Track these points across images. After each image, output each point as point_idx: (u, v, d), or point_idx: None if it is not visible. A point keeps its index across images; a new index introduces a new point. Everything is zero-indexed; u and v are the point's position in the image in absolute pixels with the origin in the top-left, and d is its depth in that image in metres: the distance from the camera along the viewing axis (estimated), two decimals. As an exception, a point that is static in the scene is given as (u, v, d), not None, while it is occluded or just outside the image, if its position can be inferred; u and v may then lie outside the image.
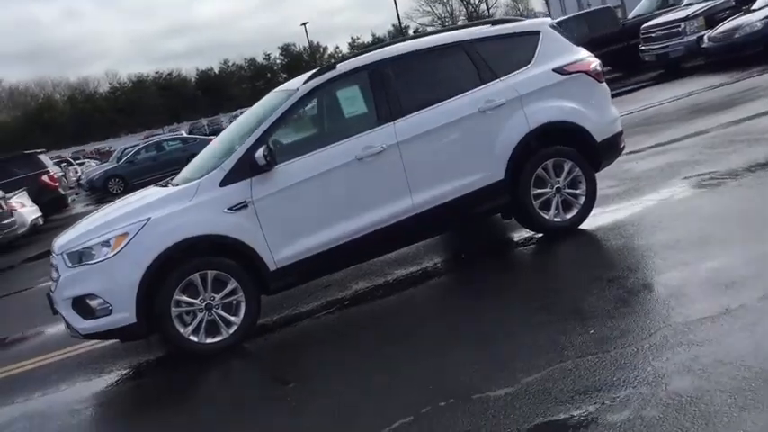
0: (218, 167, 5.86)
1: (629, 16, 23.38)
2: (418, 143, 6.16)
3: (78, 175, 34.48)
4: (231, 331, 5.70)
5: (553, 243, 6.53)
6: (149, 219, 5.62)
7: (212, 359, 5.59)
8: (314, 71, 6.39)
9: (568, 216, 6.64)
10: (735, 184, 6.74)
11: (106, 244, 5.57)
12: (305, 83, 6.24)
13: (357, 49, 79.21)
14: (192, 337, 5.63)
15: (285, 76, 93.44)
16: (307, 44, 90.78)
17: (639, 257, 5.64)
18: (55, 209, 21.38)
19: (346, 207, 5.99)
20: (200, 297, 5.63)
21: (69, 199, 24.88)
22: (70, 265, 5.65)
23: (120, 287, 5.49)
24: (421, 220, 6.17)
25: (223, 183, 5.76)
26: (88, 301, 5.56)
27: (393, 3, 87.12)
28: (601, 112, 6.76)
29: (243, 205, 5.71)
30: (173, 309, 5.55)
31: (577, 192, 6.64)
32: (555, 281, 5.71)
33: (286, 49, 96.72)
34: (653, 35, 18.17)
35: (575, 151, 6.63)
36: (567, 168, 6.59)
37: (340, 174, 5.97)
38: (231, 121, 66.54)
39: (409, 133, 6.13)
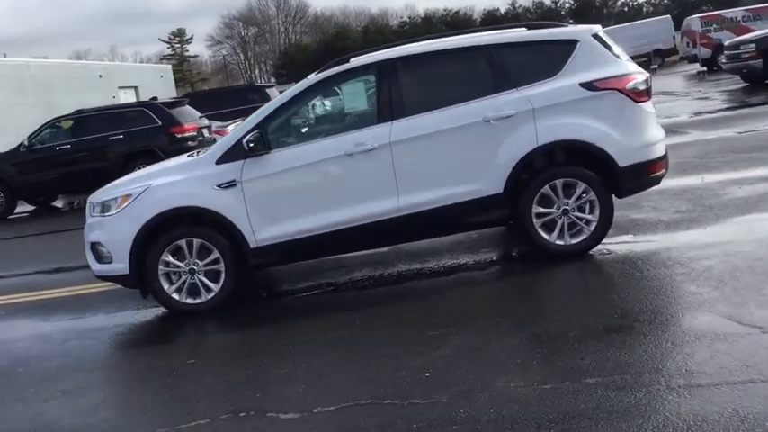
0: (218, 145, 6.38)
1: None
2: (413, 145, 6.19)
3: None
4: (209, 296, 6.32)
5: (559, 264, 6.24)
6: (150, 185, 6.34)
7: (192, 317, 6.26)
8: (329, 63, 6.61)
9: (574, 241, 6.30)
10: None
11: (115, 201, 6.38)
12: (316, 74, 6.50)
13: None
14: (174, 295, 6.33)
15: (572, 21, 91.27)
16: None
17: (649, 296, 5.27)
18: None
19: (330, 199, 6.24)
20: (186, 261, 6.28)
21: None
22: (93, 214, 6.55)
23: (118, 241, 6.30)
24: (406, 222, 6.24)
25: (219, 161, 6.29)
26: (99, 247, 6.46)
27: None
28: (630, 135, 6.24)
29: (232, 184, 6.20)
30: (160, 267, 6.27)
31: (589, 217, 6.26)
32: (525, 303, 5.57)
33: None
34: None
35: (589, 173, 6.24)
36: (578, 190, 6.23)
37: (328, 166, 6.23)
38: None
39: (405, 135, 6.18)
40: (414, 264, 6.95)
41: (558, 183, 6.24)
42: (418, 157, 6.22)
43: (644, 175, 6.35)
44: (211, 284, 6.30)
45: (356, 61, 6.51)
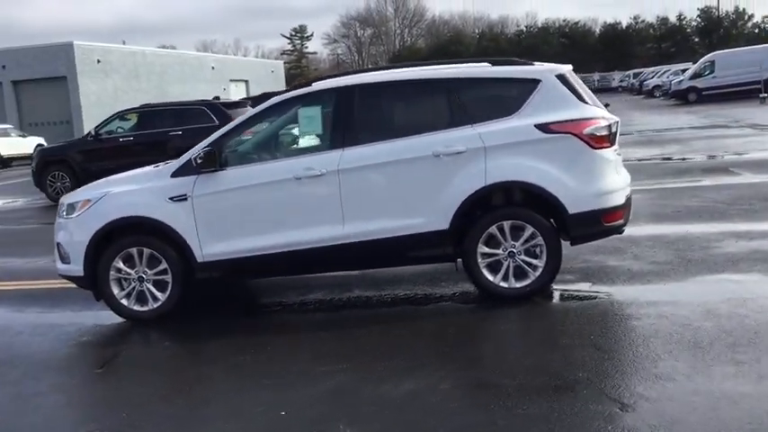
0: (179, 159, 6.54)
1: None
2: (361, 174, 6.16)
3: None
4: (156, 305, 6.48)
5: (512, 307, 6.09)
6: (108, 192, 6.56)
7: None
8: (292, 85, 6.66)
9: (518, 284, 6.11)
10: None
11: (77, 205, 6.63)
12: (278, 95, 6.56)
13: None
14: (123, 301, 6.52)
15: (696, 40, 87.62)
16: (730, 8, 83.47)
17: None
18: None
19: (276, 221, 6.28)
20: (136, 269, 6.46)
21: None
22: (60, 214, 6.84)
23: (75, 243, 6.55)
24: (350, 250, 6.21)
25: (174, 174, 6.44)
26: (60, 248, 6.73)
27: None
28: (583, 182, 6.00)
29: (183, 198, 6.34)
30: (112, 272, 6.48)
31: (535, 261, 6.07)
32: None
33: (706, 12, 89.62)
34: None
35: (538, 217, 6.04)
36: (526, 234, 6.04)
37: (276, 188, 6.27)
38: (622, 81, 63.97)
39: (354, 163, 6.15)
40: (369, 291, 6.91)
41: (506, 224, 6.07)
42: (365, 187, 6.18)
43: (596, 223, 6.09)
44: (158, 294, 6.46)
45: (317, 86, 6.53)
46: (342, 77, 6.62)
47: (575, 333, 5.30)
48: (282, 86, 63.94)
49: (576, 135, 5.99)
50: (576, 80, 6.40)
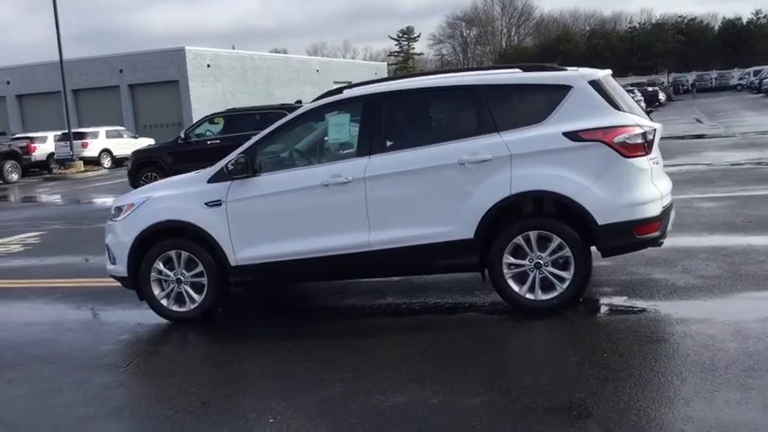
0: (216, 165, 6.71)
1: None
2: (386, 182, 6.15)
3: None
4: (193, 306, 6.68)
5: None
6: (150, 196, 6.81)
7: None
8: (323, 93, 6.71)
9: (544, 297, 5.96)
10: None
11: (123, 208, 6.92)
12: (311, 102, 6.63)
13: None
14: (163, 301, 6.75)
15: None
16: None
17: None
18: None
19: (304, 227, 6.35)
20: (175, 271, 6.68)
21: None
22: (110, 217, 7.15)
23: (119, 245, 6.84)
24: (375, 257, 6.21)
25: (210, 180, 6.61)
26: (108, 249, 7.03)
27: None
28: (614, 192, 5.77)
29: (217, 203, 6.51)
30: (153, 274, 6.72)
31: (562, 273, 5.89)
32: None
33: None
34: None
35: (566, 228, 5.86)
36: (553, 245, 5.88)
37: (304, 195, 6.34)
38: (741, 79, 61.69)
39: (380, 170, 6.15)
40: (402, 298, 6.91)
41: (532, 234, 5.92)
42: (391, 194, 6.16)
43: (628, 235, 5.84)
44: (195, 295, 6.66)
45: (348, 93, 6.56)
46: (372, 84, 6.63)
47: (590, 350, 5.11)
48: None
49: (606, 143, 5.78)
50: (612, 86, 6.18)
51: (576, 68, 6.32)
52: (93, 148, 32.80)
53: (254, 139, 6.63)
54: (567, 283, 5.89)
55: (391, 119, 6.33)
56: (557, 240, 5.87)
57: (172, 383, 5.21)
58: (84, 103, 48.41)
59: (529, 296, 5.98)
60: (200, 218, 6.55)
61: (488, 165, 5.93)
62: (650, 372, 4.60)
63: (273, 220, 6.44)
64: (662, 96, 53.34)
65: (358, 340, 5.87)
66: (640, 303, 6.08)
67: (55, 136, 33.35)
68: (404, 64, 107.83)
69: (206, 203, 6.54)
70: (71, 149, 31.23)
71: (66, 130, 31.80)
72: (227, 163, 6.44)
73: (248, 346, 5.97)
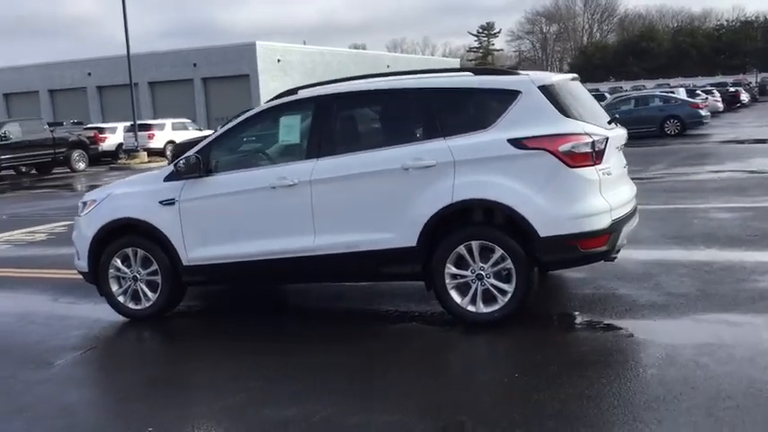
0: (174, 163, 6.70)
1: None
2: (332, 186, 6.02)
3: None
4: (148, 305, 6.70)
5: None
6: (111, 193, 6.85)
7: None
8: (279, 93, 6.61)
9: (486, 309, 5.72)
10: None
11: (87, 204, 6.99)
12: (265, 103, 6.54)
13: None
14: (120, 298, 6.80)
15: None
16: None
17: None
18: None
19: (252, 229, 6.28)
20: (131, 268, 6.71)
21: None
22: (78, 212, 7.23)
23: (82, 240, 6.91)
24: (320, 262, 6.10)
25: (167, 178, 6.60)
26: (74, 243, 7.12)
27: None
28: (558, 203, 5.49)
29: (171, 202, 6.49)
30: (111, 271, 6.77)
31: (504, 286, 5.65)
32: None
33: None
34: None
35: (508, 239, 5.60)
36: (495, 256, 5.64)
37: (252, 197, 6.26)
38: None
39: (325, 174, 6.02)
40: (361, 304, 6.77)
41: (475, 245, 5.69)
42: (336, 198, 6.03)
43: (571, 249, 5.54)
44: (150, 294, 6.67)
45: (302, 93, 6.44)
46: (328, 85, 6.48)
47: (505, 368, 4.88)
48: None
49: (551, 152, 5.50)
50: (569, 92, 5.88)
51: (527, 73, 6.03)
52: (158, 140, 33.58)
53: (209, 139, 6.59)
54: (508, 297, 5.65)
55: (340, 121, 6.20)
56: (499, 251, 5.63)
57: (86, 385, 5.21)
58: (160, 95, 49.78)
59: (470, 308, 5.76)
60: (154, 216, 6.55)
61: (432, 171, 5.73)
62: (547, 395, 4.33)
63: (223, 220, 6.39)
64: (744, 97, 51.25)
65: (286, 345, 5.77)
66: (587, 320, 5.78)
67: (125, 127, 34.35)
68: (482, 60, 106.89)
69: (160, 202, 6.53)
70: (136, 140, 32.10)
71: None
72: (178, 162, 6.42)
73: (200, 347, 5.97)
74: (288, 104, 6.45)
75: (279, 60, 47.65)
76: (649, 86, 59.61)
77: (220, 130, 6.64)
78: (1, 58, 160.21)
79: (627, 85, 68.17)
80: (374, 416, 4.26)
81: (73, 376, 5.55)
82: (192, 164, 6.34)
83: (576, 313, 5.97)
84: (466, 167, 5.65)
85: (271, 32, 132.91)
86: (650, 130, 26.56)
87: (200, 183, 6.41)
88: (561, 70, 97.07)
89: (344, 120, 6.23)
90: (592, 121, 5.78)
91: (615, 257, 5.89)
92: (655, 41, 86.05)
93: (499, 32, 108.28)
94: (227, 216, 6.37)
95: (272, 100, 6.57)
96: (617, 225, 5.69)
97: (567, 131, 5.53)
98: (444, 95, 5.94)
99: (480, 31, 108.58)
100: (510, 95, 5.72)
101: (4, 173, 27.13)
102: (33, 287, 8.48)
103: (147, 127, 34.01)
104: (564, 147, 5.47)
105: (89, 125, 37.36)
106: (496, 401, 4.34)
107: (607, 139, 5.68)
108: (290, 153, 6.50)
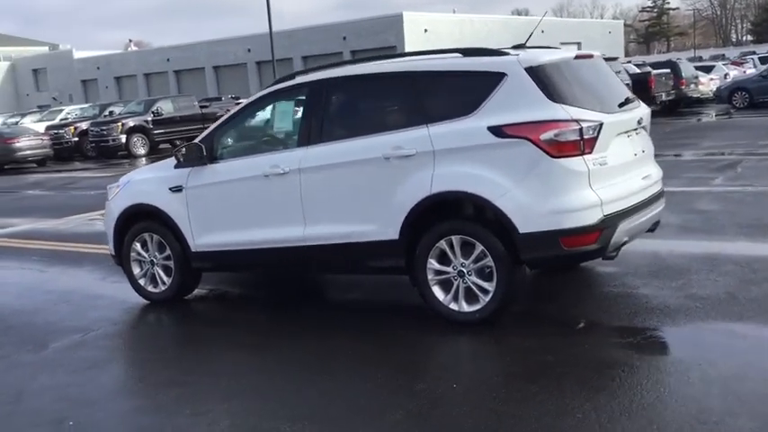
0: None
1: None
2: (318, 175, 5.83)
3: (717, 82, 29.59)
4: (164, 288, 6.83)
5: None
6: (131, 179, 7.02)
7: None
8: (277, 79, 6.44)
9: (468, 309, 5.35)
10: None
11: (113, 189, 7.22)
12: (265, 88, 6.43)
13: None
14: (140, 281, 6.98)
15: None
16: None
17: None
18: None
19: (249, 217, 6.23)
20: (149, 252, 6.87)
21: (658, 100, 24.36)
22: (108, 197, 7.46)
23: (107, 225, 7.15)
24: (310, 252, 5.96)
25: (176, 166, 6.66)
26: (105, 226, 7.37)
27: None
28: (539, 196, 5.00)
29: (179, 189, 6.56)
30: (132, 254, 6.96)
31: (484, 284, 5.25)
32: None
33: None
34: None
35: (487, 235, 5.19)
36: (476, 252, 5.24)
37: (248, 185, 6.19)
38: None
39: (313, 162, 5.84)
40: (365, 294, 6.57)
41: (455, 239, 5.31)
42: (324, 188, 5.82)
43: (553, 247, 5.03)
44: (165, 278, 6.80)
45: (300, 79, 6.24)
46: (325, 70, 6.24)
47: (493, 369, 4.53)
48: (620, 48, 60.82)
49: (531, 140, 5.00)
50: (563, 72, 5.31)
51: (517, 52, 5.48)
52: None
53: (213, 126, 6.57)
54: (489, 296, 5.24)
55: (330, 108, 5.97)
56: (479, 247, 5.22)
57: (77, 371, 5.34)
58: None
59: (452, 306, 5.40)
60: (165, 203, 6.64)
61: (412, 160, 5.39)
62: (510, 409, 3.96)
63: (225, 208, 6.37)
64: None
65: (245, 338, 5.77)
66: (585, 323, 5.24)
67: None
68: (657, 21, 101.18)
69: (170, 189, 6.61)
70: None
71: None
72: (176, 150, 6.47)
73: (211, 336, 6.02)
74: (284, 90, 6.29)
75: (426, 30, 47.34)
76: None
77: (224, 117, 6.60)
78: (172, 37, 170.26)
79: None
80: (276, 424, 4.07)
81: (57, 360, 5.69)
82: (193, 152, 6.36)
83: (578, 315, 5.43)
84: (445, 157, 5.27)
85: (427, 2, 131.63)
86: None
87: (205, 170, 6.42)
88: (742, 30, 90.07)
89: (333, 106, 5.98)
90: (590, 106, 5.20)
91: (614, 255, 5.30)
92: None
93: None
94: (227, 204, 6.35)
95: (271, 85, 6.44)
96: (611, 220, 5.10)
97: (549, 118, 5.00)
98: (427, 79, 5.55)
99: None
100: (494, 78, 5.24)
101: (161, 146, 28.45)
102: (97, 264, 8.86)
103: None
104: (546, 135, 4.96)
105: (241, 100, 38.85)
106: (449, 413, 4.03)
107: (600, 125, 5.08)
108: (285, 141, 6.37)
